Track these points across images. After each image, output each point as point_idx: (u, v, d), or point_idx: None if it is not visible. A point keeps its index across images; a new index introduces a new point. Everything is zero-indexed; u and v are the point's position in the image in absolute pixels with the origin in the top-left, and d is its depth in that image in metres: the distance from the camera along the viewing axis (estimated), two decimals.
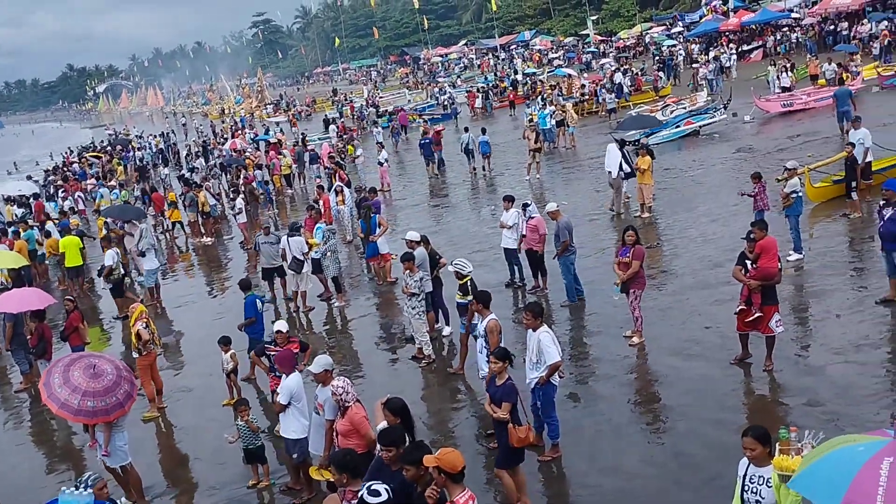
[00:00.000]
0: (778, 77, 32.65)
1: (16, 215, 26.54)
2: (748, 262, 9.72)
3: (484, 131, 27.98)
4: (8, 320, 13.53)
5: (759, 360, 9.89)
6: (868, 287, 11.88)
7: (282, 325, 10.00)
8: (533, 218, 13.77)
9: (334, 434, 7.48)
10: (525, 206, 14.06)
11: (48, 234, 21.06)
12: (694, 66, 42.17)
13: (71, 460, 10.82)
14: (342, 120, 43.21)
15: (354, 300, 15.47)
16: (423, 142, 28.76)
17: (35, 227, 22.68)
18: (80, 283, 19.46)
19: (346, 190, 20.34)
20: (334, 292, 15.32)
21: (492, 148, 27.45)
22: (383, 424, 6.33)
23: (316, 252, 15.04)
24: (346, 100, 62.54)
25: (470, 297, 10.67)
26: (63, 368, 8.55)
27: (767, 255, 9.57)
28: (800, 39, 46.23)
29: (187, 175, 31.16)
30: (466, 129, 28.76)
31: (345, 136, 37.02)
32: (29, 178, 43.02)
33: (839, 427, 7.87)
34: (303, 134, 39.50)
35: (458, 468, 5.04)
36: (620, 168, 18.16)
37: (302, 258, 14.74)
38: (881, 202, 11.11)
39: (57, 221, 23.05)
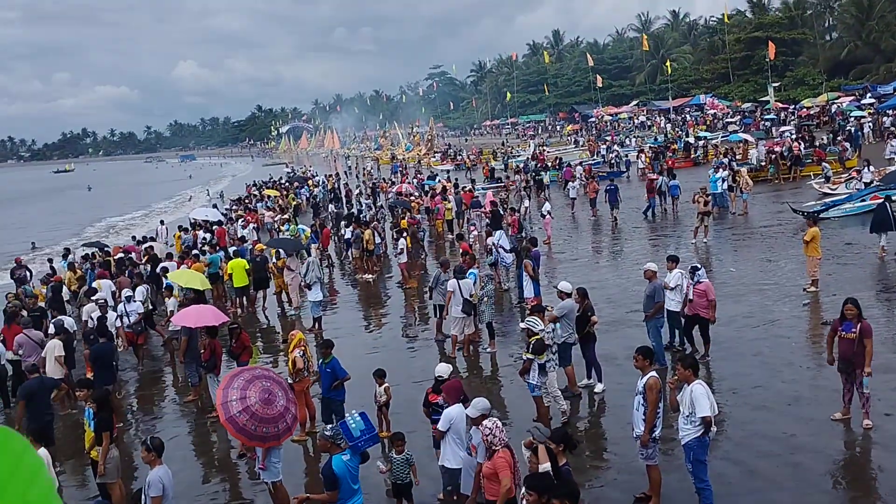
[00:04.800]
0: None
1: (204, 239, 28.36)
2: None
3: (675, 176, 30.73)
4: (184, 334, 14.40)
5: None
6: None
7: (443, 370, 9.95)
8: (702, 282, 13.25)
9: (481, 477, 7.43)
10: (694, 269, 13.52)
11: (230, 258, 22.43)
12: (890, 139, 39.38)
13: (226, 472, 11.30)
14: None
15: (505, 348, 15.39)
16: (609, 188, 29.84)
17: (220, 252, 24.20)
18: (251, 302, 20.92)
19: (504, 238, 20.50)
20: (487, 339, 15.35)
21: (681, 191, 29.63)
22: (545, 466, 6.15)
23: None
24: (511, 153, 63.36)
25: (531, 356, 10.43)
26: (243, 384, 8.72)
27: None
28: None
29: (355, 213, 32.46)
30: (662, 173, 32.79)
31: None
32: (214, 206, 46.13)
33: None
34: (456, 179, 41.61)
35: None
36: None
37: (471, 300, 14.85)
38: None
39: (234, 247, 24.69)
